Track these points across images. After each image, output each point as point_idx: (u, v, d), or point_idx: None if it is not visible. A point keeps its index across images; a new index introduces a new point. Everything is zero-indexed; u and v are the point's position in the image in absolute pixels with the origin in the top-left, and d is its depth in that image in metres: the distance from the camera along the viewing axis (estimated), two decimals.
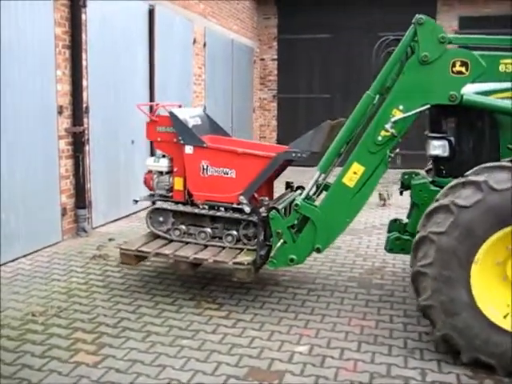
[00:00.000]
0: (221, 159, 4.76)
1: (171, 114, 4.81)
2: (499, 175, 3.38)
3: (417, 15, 3.87)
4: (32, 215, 5.88)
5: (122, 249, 4.88)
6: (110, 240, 6.55)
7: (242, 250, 4.69)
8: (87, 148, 6.80)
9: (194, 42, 10.06)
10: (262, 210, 4.52)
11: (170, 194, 5.00)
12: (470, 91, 3.94)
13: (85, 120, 6.71)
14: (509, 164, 3.44)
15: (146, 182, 5.12)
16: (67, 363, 3.57)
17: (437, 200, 3.58)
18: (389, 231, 4.86)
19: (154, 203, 5.12)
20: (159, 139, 4.93)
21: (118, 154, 7.43)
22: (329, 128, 4.53)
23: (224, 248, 4.75)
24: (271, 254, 4.41)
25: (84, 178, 6.66)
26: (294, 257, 4.37)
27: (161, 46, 8.47)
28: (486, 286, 3.48)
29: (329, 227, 4.28)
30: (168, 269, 5.52)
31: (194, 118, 5.10)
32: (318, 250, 4.36)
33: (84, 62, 6.61)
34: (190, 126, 4.87)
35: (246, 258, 4.50)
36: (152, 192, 5.12)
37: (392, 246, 4.66)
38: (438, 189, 4.08)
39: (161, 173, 5.04)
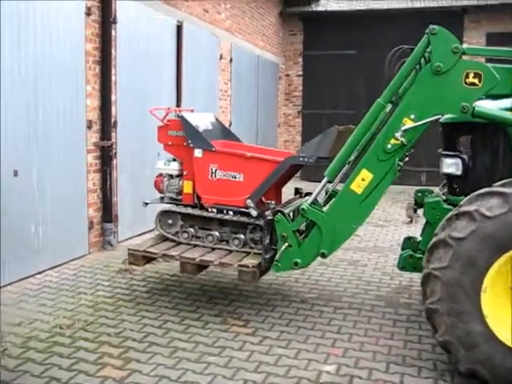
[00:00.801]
0: (229, 163, 4.77)
1: (181, 117, 4.86)
2: (490, 201, 3.33)
3: (430, 25, 3.86)
4: (60, 228, 5.94)
5: (130, 249, 4.95)
6: None
7: (248, 253, 4.69)
8: (114, 162, 6.87)
9: (221, 57, 10.15)
10: (268, 213, 4.52)
11: (180, 197, 5.03)
12: (490, 107, 3.91)
13: (112, 134, 6.79)
14: (499, 189, 3.38)
15: (156, 185, 5.15)
16: (94, 377, 3.57)
17: (436, 234, 3.55)
18: (402, 249, 4.84)
19: (161, 198, 5.14)
20: (170, 143, 4.97)
21: (144, 168, 7.47)
22: (336, 133, 4.52)
23: (231, 251, 4.76)
24: (276, 258, 4.40)
25: (111, 192, 6.72)
26: (298, 260, 4.37)
27: (188, 61, 8.56)
28: (502, 313, 3.40)
29: (335, 233, 4.27)
30: (194, 283, 5.52)
31: (205, 123, 5.13)
32: (323, 255, 4.34)
33: (113, 77, 6.71)
34: (201, 130, 4.89)
35: (251, 261, 4.50)
36: (162, 195, 5.16)
37: (404, 265, 4.63)
38: (450, 207, 4.05)
39: (171, 176, 5.07)
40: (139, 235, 7.47)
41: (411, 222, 8.74)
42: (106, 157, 6.65)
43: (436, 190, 4.91)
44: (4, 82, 5.11)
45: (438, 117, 3.97)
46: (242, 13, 11.19)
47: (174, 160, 5.06)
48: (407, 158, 4.43)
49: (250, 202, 4.61)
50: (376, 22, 13.08)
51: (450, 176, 4.37)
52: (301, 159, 4.53)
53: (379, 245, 7.43)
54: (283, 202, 5.09)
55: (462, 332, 3.37)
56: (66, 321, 4.49)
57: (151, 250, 4.85)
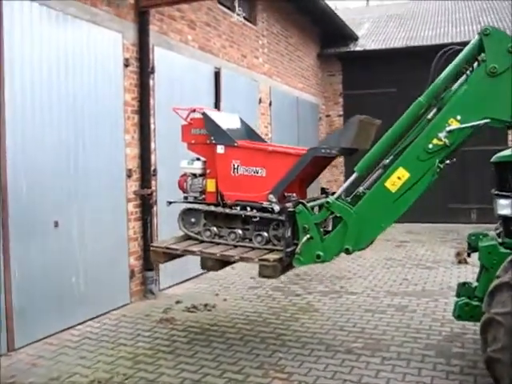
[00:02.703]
0: (251, 158, 4.64)
1: (204, 114, 4.78)
2: None
3: (483, 26, 3.71)
4: (101, 277, 5.94)
5: (152, 246, 4.95)
6: (177, 303, 6.49)
7: (271, 250, 4.52)
8: (155, 209, 6.88)
9: (260, 101, 10.21)
10: (289, 205, 4.34)
11: (203, 196, 4.91)
12: None
13: (152, 182, 6.83)
14: None
15: (179, 185, 5.04)
16: None
17: (498, 277, 3.32)
18: (457, 295, 4.53)
19: (185, 198, 5.04)
20: (193, 141, 4.88)
21: None
22: (358, 123, 4.30)
23: (254, 249, 4.60)
24: (297, 250, 4.21)
25: (152, 240, 6.70)
26: (320, 253, 4.19)
27: (227, 106, 8.61)
28: None
29: (361, 229, 4.08)
30: (236, 333, 5.36)
31: (229, 122, 5.04)
32: (347, 251, 4.15)
33: (152, 126, 6.79)
34: (224, 128, 4.79)
35: (272, 256, 4.34)
36: (186, 194, 5.04)
37: (460, 313, 4.30)
38: (508, 251, 3.80)
39: (194, 175, 4.97)
40: (181, 283, 7.41)
41: (460, 262, 8.36)
42: (146, 205, 6.67)
43: (491, 232, 4.61)
44: (44, 133, 5.22)
45: (486, 121, 3.77)
46: (280, 56, 11.29)
47: (198, 159, 4.96)
48: (448, 161, 4.19)
49: (272, 197, 4.43)
50: (415, 58, 12.93)
51: (505, 218, 4.10)
52: (323, 150, 4.35)
53: (428, 288, 7.09)
54: (308, 198, 4.89)
55: None
56: (105, 375, 4.40)
57: (173, 246, 4.77)
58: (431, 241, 10.91)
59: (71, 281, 5.54)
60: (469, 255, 4.78)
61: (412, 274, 7.95)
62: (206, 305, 6.35)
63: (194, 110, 4.93)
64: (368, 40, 14.31)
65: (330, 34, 13.69)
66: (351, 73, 14.09)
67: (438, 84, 3.92)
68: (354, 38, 14.18)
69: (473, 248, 4.59)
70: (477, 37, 3.76)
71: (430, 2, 16.63)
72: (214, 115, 4.91)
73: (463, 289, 4.51)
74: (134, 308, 6.28)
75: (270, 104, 10.67)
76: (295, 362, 4.65)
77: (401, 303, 6.40)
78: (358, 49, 13.84)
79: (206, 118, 4.77)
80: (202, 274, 7.72)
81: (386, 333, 5.34)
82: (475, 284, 4.43)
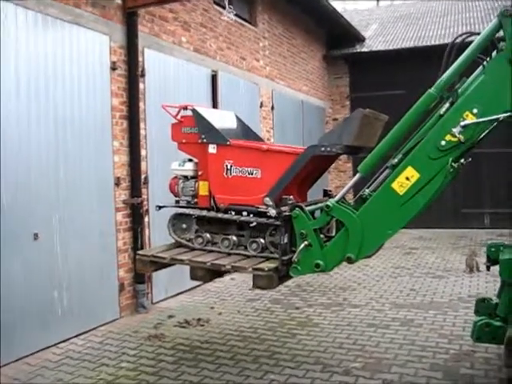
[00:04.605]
0: (245, 158, 4.27)
1: (194, 111, 4.43)
2: None
3: (503, 7, 3.29)
4: (87, 292, 5.63)
5: (138, 254, 4.65)
6: (170, 317, 6.16)
7: (268, 259, 4.13)
8: (147, 219, 6.57)
9: (262, 105, 9.88)
10: (285, 208, 3.95)
11: (196, 201, 4.55)
12: None
13: (144, 191, 6.52)
14: None
15: (171, 188, 4.70)
16: None
17: None
18: (476, 312, 4.11)
19: (177, 202, 4.71)
20: (184, 141, 4.54)
21: None
22: (361, 117, 3.87)
23: (249, 257, 4.22)
24: (293, 258, 3.82)
25: None
26: (320, 262, 3.77)
27: (225, 110, 8.28)
28: None
29: (365, 236, 3.65)
30: (227, 352, 5.01)
31: (223, 119, 4.70)
32: (350, 260, 3.71)
33: (142, 132, 6.49)
34: (217, 126, 4.43)
35: (267, 265, 3.95)
36: (177, 198, 4.69)
37: (480, 335, 3.88)
38: None
39: (186, 177, 4.61)
40: (175, 295, 7.08)
41: (471, 271, 7.93)
42: (136, 214, 6.35)
43: None
44: (22, 141, 4.93)
45: (507, 114, 3.35)
46: (282, 58, 10.96)
47: (190, 160, 4.62)
48: (463, 160, 3.70)
49: (267, 200, 4.05)
50: (424, 60, 12.52)
51: None
52: (322, 149, 3.92)
53: (437, 300, 6.68)
54: (307, 201, 4.50)
55: None
56: None
57: (160, 254, 4.41)
58: (442, 247, 10.47)
59: (53, 296, 5.23)
60: (488, 268, 4.36)
61: (420, 283, 7.54)
62: (199, 319, 6.01)
63: (186, 108, 4.59)
64: (375, 41, 13.93)
65: (335, 35, 13.34)
66: (358, 75, 13.71)
67: (450, 74, 3.49)
68: (360, 39, 13.81)
69: (493, 261, 4.18)
70: (495, 19, 3.35)
71: (439, 2, 16.19)
72: (206, 112, 4.56)
73: (482, 306, 4.10)
74: (123, 323, 5.96)
75: (273, 108, 10.33)
76: None
77: (406, 317, 5.99)
78: (364, 50, 13.47)
79: (197, 115, 4.43)
80: (198, 285, 7.39)
81: (389, 351, 4.95)
82: (496, 300, 4.03)
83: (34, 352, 5.00)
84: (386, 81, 13.05)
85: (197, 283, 7.27)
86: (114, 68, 6.06)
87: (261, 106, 9.83)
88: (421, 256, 9.66)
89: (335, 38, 13.48)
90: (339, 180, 14.30)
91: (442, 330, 5.51)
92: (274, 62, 10.51)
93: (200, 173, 4.50)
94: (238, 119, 4.97)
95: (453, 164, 3.48)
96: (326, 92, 13.78)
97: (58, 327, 5.27)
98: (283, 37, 10.99)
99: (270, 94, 10.27)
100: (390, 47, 13.22)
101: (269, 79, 10.25)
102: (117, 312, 6.10)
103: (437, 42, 12.61)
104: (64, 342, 5.32)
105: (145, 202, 6.51)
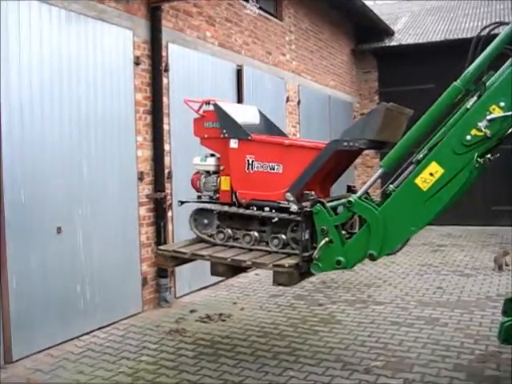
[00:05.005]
0: (267, 153, 4.21)
1: (215, 106, 4.39)
2: None
3: None
4: (109, 285, 5.67)
5: (159, 249, 4.63)
6: (192, 312, 6.17)
7: (289, 255, 4.07)
8: (170, 214, 6.58)
9: (288, 100, 9.80)
10: (306, 204, 3.88)
11: (217, 196, 4.51)
12: None
13: (168, 185, 6.53)
14: None
15: (193, 183, 4.67)
16: None
17: None
18: (503, 313, 3.98)
19: (199, 197, 4.67)
20: (206, 136, 4.50)
21: None
22: (384, 111, 3.77)
23: (270, 253, 4.17)
24: (314, 255, 3.74)
25: None
26: (341, 259, 3.69)
27: (250, 104, 8.24)
28: None
29: (387, 232, 3.55)
30: (248, 347, 4.99)
31: (245, 114, 4.64)
32: (372, 257, 3.62)
33: (166, 127, 6.50)
34: (239, 121, 4.37)
35: (288, 261, 3.88)
36: (199, 193, 4.66)
37: (507, 336, 3.76)
38: None
39: (208, 172, 4.57)
40: (199, 290, 7.09)
41: (501, 268, 7.72)
42: (160, 209, 6.37)
43: None
44: (45, 135, 4.98)
45: None
46: (309, 53, 10.86)
47: (212, 155, 4.59)
48: (489, 156, 3.50)
49: (289, 196, 3.99)
50: (455, 53, 12.23)
51: None
52: (345, 144, 3.84)
53: (464, 298, 6.53)
54: (330, 197, 4.41)
55: None
56: None
57: (181, 249, 4.40)
58: (471, 245, 10.24)
59: (76, 289, 5.29)
60: None
61: (447, 281, 7.38)
62: (220, 314, 6.01)
63: (208, 102, 4.53)
64: (405, 34, 13.68)
65: (363, 29, 13.14)
66: (387, 69, 13.49)
67: (477, 66, 3.35)
68: (389, 33, 13.57)
69: None
70: None
71: None
72: (228, 107, 4.51)
73: (511, 306, 3.97)
74: (146, 317, 5.99)
75: (299, 103, 10.24)
76: (306, 381, 4.25)
77: (431, 315, 5.87)
78: (393, 44, 13.24)
79: (218, 110, 4.39)
80: (222, 280, 7.37)
81: (411, 350, 4.85)
82: None
83: (57, 344, 5.06)
84: (416, 75, 12.81)
85: (220, 278, 7.25)
86: (137, 63, 6.08)
87: (287, 101, 9.75)
88: (449, 253, 9.47)
89: (364, 31, 13.28)
90: (366, 175, 14.11)
91: (468, 329, 5.38)
92: (300, 56, 10.42)
93: (222, 168, 4.47)
94: (261, 114, 4.90)
95: (478, 159, 3.34)
96: (354, 87, 13.61)
97: (80, 320, 5.32)
98: (310, 31, 10.88)
99: (297, 88, 10.19)
100: (420, 41, 12.97)
101: (295, 74, 10.17)
102: (139, 306, 6.13)
103: (468, 35, 12.30)
104: (86, 334, 5.38)
105: (168, 197, 6.52)
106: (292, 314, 6.06)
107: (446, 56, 12.25)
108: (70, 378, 4.37)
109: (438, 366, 4.46)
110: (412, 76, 12.82)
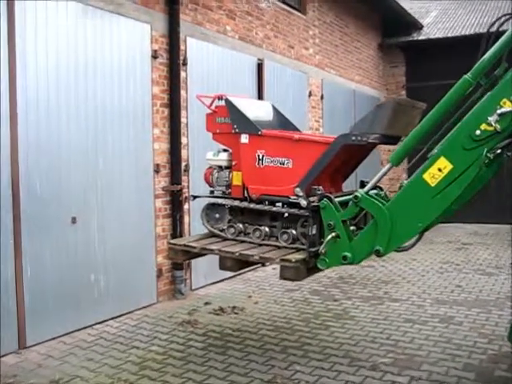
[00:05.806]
0: (276, 148, 4.22)
1: (227, 101, 4.41)
2: None
3: None
4: (124, 276, 5.75)
5: (170, 243, 4.72)
6: (206, 304, 6.22)
7: (298, 250, 4.07)
8: (187, 206, 6.63)
9: (310, 94, 9.74)
10: (314, 199, 3.88)
11: (229, 191, 4.54)
12: None
13: (184, 178, 6.58)
14: None
15: (205, 178, 4.72)
16: None
17: None
18: None
19: (211, 192, 4.73)
20: (218, 131, 4.53)
21: None
22: (394, 105, 3.77)
23: (280, 248, 4.18)
24: (320, 250, 3.74)
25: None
26: (348, 254, 3.69)
27: (272, 99, 8.19)
28: None
29: (394, 228, 3.52)
30: (257, 341, 5.00)
31: (258, 109, 4.65)
32: (378, 253, 3.60)
33: (184, 120, 6.54)
34: (251, 117, 4.39)
35: (295, 256, 3.89)
36: (212, 188, 4.71)
37: None
38: None
39: (220, 167, 4.61)
40: (215, 283, 7.13)
41: None
42: (176, 201, 6.43)
43: None
44: (61, 126, 5.07)
45: None
46: (333, 47, 10.76)
47: (225, 150, 4.62)
48: (499, 151, 3.41)
49: (298, 191, 3.99)
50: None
51: None
52: (353, 138, 3.83)
53: (482, 297, 6.40)
54: (341, 192, 4.42)
55: None
56: (106, 380, 4.18)
57: (191, 243, 4.46)
58: (497, 243, 10.02)
59: (90, 279, 5.38)
60: None
61: (468, 280, 7.25)
62: (234, 307, 6.04)
63: (221, 98, 4.56)
64: (434, 28, 13.42)
65: (391, 23, 12.95)
66: (415, 64, 13.29)
67: (488, 59, 3.32)
68: (418, 27, 13.34)
69: None
70: None
71: None
72: (240, 102, 4.53)
73: None
74: (160, 308, 6.06)
75: (322, 97, 10.17)
76: (311, 376, 4.23)
77: (447, 314, 5.77)
78: (421, 38, 13.01)
79: (229, 105, 4.42)
80: (239, 273, 7.40)
81: (422, 347, 4.79)
82: None
83: (70, 332, 5.17)
84: (444, 69, 12.51)
85: (237, 272, 7.29)
86: (155, 56, 6.13)
87: (309, 96, 9.70)
88: (473, 252, 9.28)
89: (391, 25, 13.09)
90: (393, 172, 13.86)
91: (483, 329, 5.27)
92: (324, 50, 10.34)
93: (234, 163, 4.50)
94: (275, 110, 4.90)
95: (488, 155, 3.27)
96: (380, 81, 13.44)
97: (94, 309, 5.42)
98: (335, 25, 10.78)
99: (320, 83, 10.11)
100: (449, 34, 12.72)
101: (318, 68, 10.09)
102: (154, 297, 6.21)
103: (494, 29, 11.99)
104: (100, 323, 5.47)
105: (185, 190, 6.57)
106: (305, 309, 6.04)
107: (476, 50, 11.97)
108: (79, 365, 4.46)
109: (447, 365, 4.38)
110: (440, 70, 12.56)
